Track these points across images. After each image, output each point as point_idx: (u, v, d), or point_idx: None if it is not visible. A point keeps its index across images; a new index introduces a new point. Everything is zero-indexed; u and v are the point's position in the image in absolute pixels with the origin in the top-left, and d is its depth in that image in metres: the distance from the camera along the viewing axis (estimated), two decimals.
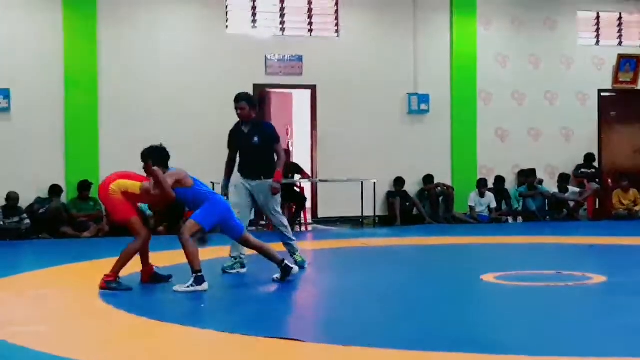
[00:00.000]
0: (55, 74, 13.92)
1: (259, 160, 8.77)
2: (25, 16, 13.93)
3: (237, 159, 8.99)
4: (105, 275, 7.61)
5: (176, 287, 7.47)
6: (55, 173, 13.82)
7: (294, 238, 9.07)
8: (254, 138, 8.74)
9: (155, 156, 7.74)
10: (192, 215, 7.71)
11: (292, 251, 9.02)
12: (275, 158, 8.89)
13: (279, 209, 8.92)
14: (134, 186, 7.65)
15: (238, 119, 8.88)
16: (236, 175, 8.97)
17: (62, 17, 13.93)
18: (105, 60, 14.18)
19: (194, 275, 7.48)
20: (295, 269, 8.22)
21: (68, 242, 12.72)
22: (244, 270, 8.67)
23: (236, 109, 8.77)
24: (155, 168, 7.52)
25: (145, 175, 7.69)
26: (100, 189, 7.80)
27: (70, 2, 13.96)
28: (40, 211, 13.28)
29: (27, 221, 13.13)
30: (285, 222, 8.99)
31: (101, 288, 7.54)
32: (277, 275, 8.05)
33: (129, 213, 7.67)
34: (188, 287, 7.43)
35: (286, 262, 8.07)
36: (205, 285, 7.45)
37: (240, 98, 8.79)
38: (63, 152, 13.99)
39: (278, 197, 8.87)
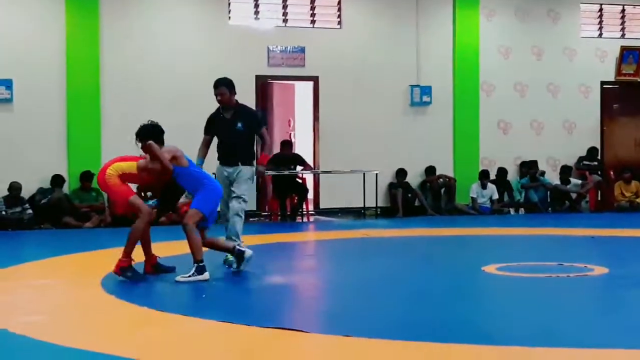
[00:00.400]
0: (57, 64, 13.93)
1: (241, 146, 8.63)
2: (28, 7, 13.92)
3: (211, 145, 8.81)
4: (119, 260, 7.59)
5: (178, 278, 7.48)
6: (57, 163, 13.84)
7: (239, 237, 8.47)
8: (238, 124, 8.59)
9: (151, 133, 7.75)
10: (192, 203, 7.71)
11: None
12: (259, 143, 8.82)
13: (245, 198, 8.54)
14: (130, 167, 7.68)
15: (220, 106, 8.72)
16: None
17: (64, 8, 13.93)
18: (107, 50, 14.18)
19: (196, 264, 7.50)
20: (248, 252, 7.91)
21: (70, 232, 12.73)
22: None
23: (216, 95, 8.62)
24: (151, 142, 7.58)
25: (141, 155, 7.75)
26: (98, 176, 7.81)
27: None
28: (43, 201, 13.30)
29: (30, 211, 13.15)
30: (243, 213, 8.55)
31: (115, 273, 7.53)
32: (234, 267, 7.99)
33: (127, 193, 7.68)
34: (189, 276, 7.44)
35: (237, 247, 7.96)
36: (206, 275, 7.47)
37: (219, 83, 8.64)
38: (65, 143, 14.00)
39: (250, 186, 8.68)
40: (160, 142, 7.80)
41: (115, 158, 7.90)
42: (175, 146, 7.87)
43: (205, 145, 8.82)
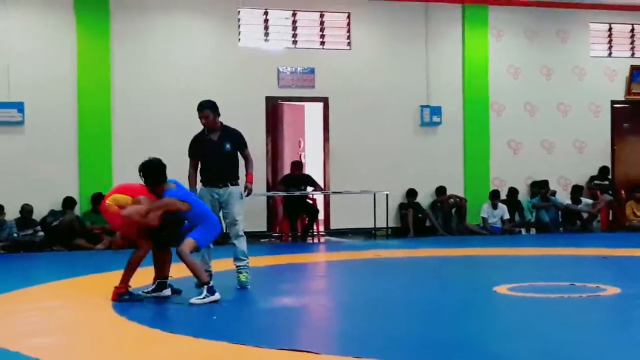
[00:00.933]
0: (68, 86, 14.00)
1: (229, 166, 8.64)
2: (40, 31, 14.01)
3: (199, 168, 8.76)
4: (115, 287, 7.72)
5: (192, 300, 7.47)
6: (68, 185, 13.88)
7: (247, 255, 8.57)
8: (226, 145, 8.61)
9: (153, 176, 7.72)
10: (191, 233, 7.72)
11: (240, 269, 8.54)
12: (244, 163, 8.79)
13: (242, 218, 8.60)
14: (125, 200, 7.72)
15: (204, 128, 8.69)
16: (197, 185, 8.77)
17: (75, 32, 14.01)
18: (118, 73, 14.26)
19: (205, 287, 7.51)
20: (216, 297, 7.52)
21: (82, 254, 12.75)
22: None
23: (200, 118, 8.60)
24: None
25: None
26: (101, 202, 7.98)
27: (84, 17, 14.05)
28: (54, 223, 13.34)
29: (41, 233, 13.19)
30: (243, 232, 8.61)
31: (113, 300, 7.62)
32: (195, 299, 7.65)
33: (124, 225, 7.77)
34: (203, 298, 7.45)
35: (212, 284, 7.63)
36: (217, 295, 7.51)
37: (202, 107, 8.62)
38: (77, 165, 14.05)
39: (242, 205, 8.66)
40: (163, 179, 7.75)
41: (118, 187, 8.06)
42: (173, 195, 7.71)
43: (195, 170, 8.77)
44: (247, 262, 8.52)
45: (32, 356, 5.42)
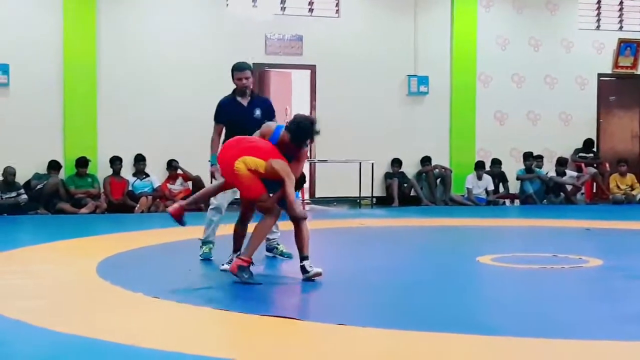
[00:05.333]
0: (54, 49, 13.90)
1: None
2: None
3: (224, 133, 8.16)
4: (239, 258, 6.93)
5: (308, 274, 7.00)
6: (53, 149, 13.83)
7: (277, 228, 8.22)
8: (256, 111, 8.10)
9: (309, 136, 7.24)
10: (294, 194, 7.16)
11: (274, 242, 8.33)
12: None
13: None
14: (256, 164, 6.90)
15: (232, 91, 8.21)
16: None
17: None
18: (104, 36, 14.16)
19: (306, 260, 7.07)
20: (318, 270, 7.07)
21: (65, 218, 12.73)
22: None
23: (240, 78, 8.08)
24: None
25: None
26: (222, 164, 7.05)
27: None
28: (38, 186, 13.29)
29: (25, 196, 13.14)
30: None
31: (232, 272, 6.86)
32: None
33: (259, 190, 6.99)
34: (310, 268, 7.01)
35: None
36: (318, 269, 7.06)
37: (246, 66, 8.19)
38: (62, 128, 13.98)
39: None
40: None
41: (241, 145, 7.02)
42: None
43: (219, 135, 8.20)
44: (279, 234, 8.25)
45: (15, 318, 5.42)
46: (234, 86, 8.24)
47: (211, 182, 8.14)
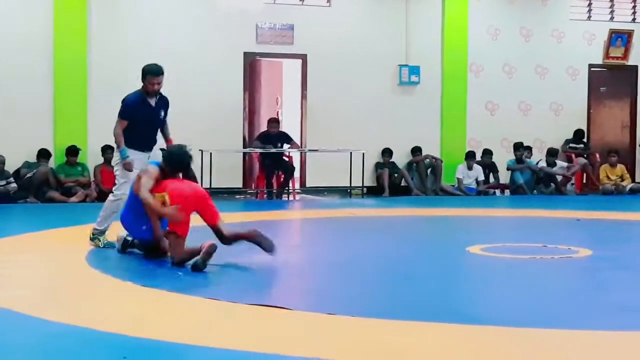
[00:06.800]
0: (45, 36, 13.82)
1: (156, 133, 8.52)
2: None
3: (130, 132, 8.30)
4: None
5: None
6: (43, 137, 13.77)
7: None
8: (161, 112, 8.46)
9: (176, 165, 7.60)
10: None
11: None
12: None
13: None
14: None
15: (144, 91, 8.38)
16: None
17: None
18: (94, 25, 14.09)
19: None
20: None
21: (55, 206, 12.70)
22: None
23: (153, 83, 8.30)
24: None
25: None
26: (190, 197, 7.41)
27: None
28: (28, 175, 13.25)
29: (14, 185, 13.10)
30: None
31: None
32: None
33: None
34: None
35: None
36: None
37: (161, 72, 8.39)
38: (52, 116, 13.94)
39: None
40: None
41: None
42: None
43: (123, 134, 8.31)
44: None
45: (5, 308, 5.42)
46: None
47: (128, 174, 8.20)
